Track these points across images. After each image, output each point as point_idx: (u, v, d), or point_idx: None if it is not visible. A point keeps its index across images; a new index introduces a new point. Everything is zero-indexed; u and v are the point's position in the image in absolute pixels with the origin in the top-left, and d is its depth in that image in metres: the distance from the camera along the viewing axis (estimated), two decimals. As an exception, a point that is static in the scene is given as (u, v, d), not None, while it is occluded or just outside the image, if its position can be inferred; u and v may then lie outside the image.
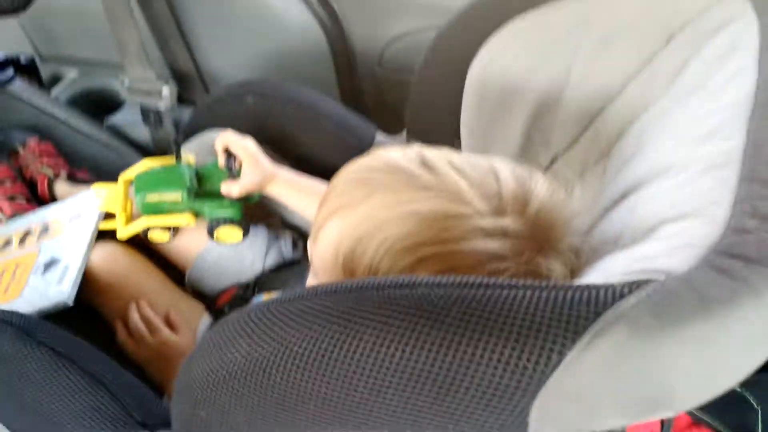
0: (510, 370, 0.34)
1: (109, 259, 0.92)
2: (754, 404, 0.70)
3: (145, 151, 1.33)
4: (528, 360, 0.34)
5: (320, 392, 0.39)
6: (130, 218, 0.94)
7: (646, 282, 0.36)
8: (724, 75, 0.54)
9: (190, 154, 1.01)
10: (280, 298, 0.43)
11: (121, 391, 0.62)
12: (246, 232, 0.96)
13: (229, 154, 0.91)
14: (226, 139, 0.91)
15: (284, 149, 1.01)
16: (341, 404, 0.39)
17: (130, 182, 0.96)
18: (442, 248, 0.48)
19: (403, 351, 0.36)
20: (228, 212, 0.94)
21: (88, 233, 0.91)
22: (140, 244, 1.01)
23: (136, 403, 0.62)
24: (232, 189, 0.90)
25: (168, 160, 0.99)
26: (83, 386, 0.60)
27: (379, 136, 1.02)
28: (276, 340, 0.41)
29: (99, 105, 1.48)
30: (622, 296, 0.35)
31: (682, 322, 0.33)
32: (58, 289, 0.82)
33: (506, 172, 0.51)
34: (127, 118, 1.38)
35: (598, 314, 0.34)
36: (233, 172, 0.90)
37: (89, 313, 0.91)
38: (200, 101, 1.13)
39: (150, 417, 0.63)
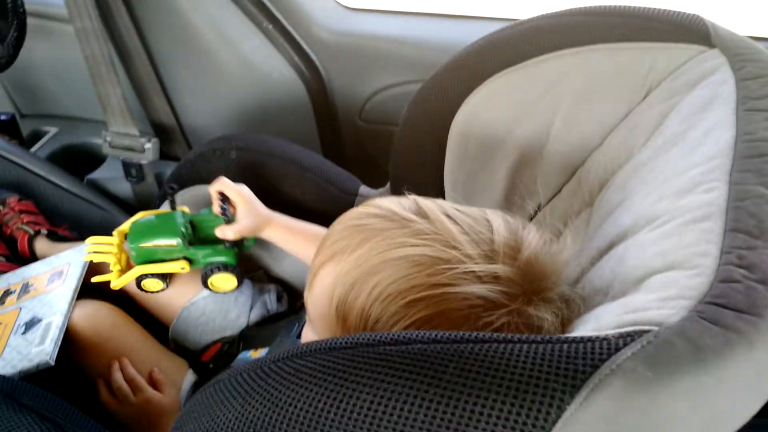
0: (510, 427, 0.34)
1: (91, 317, 0.90)
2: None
3: (126, 207, 1.33)
4: (527, 416, 0.34)
5: (317, 454, 0.38)
6: (125, 270, 0.93)
7: (641, 333, 0.36)
8: (702, 128, 0.56)
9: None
10: (273, 357, 0.43)
11: (106, 456, 0.60)
12: (240, 281, 0.96)
13: (223, 199, 0.91)
14: (222, 184, 0.91)
15: (269, 202, 1.01)
16: (339, 465, 0.38)
17: (124, 234, 0.95)
18: (433, 291, 0.48)
19: (401, 409, 0.36)
20: (223, 258, 0.93)
21: (70, 291, 0.90)
22: (122, 299, 0.99)
23: (122, 467, 0.61)
24: (227, 232, 0.90)
25: (162, 210, 0.99)
26: (68, 452, 0.59)
27: (363, 189, 1.03)
28: (270, 400, 0.40)
29: (79, 161, 1.47)
30: (617, 349, 0.35)
31: (678, 373, 0.34)
32: (40, 349, 0.81)
33: (498, 221, 0.52)
34: (108, 174, 1.37)
35: (595, 367, 0.34)
36: (228, 217, 0.90)
37: (71, 372, 0.89)
38: (182, 156, 1.14)
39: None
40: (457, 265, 0.48)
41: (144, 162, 1.31)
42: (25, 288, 0.95)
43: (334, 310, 0.52)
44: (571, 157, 0.71)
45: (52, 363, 0.79)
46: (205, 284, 0.95)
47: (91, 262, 0.95)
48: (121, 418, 0.85)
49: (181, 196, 1.06)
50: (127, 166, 1.32)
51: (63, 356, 0.83)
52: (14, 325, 0.87)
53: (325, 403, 0.38)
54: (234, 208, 0.91)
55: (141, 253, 0.92)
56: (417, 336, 0.39)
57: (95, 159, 1.45)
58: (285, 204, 1.00)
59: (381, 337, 0.40)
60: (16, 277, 0.99)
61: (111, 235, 0.97)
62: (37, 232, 1.14)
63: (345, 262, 0.51)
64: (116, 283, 0.92)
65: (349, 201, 1.00)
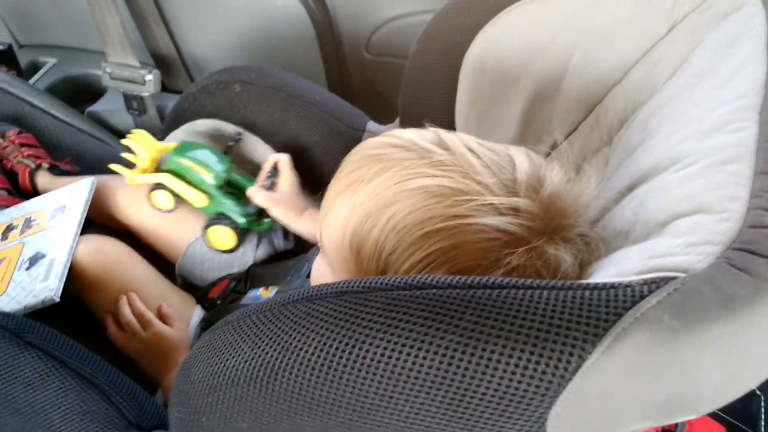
0: (528, 375, 0.33)
1: (95, 252, 0.89)
2: (757, 391, 0.70)
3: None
4: (547, 365, 0.33)
5: (328, 398, 0.38)
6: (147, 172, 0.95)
7: (666, 281, 0.34)
8: (730, 65, 0.53)
9: (173, 142, 0.99)
10: (283, 299, 0.42)
11: (114, 393, 0.60)
12: (237, 247, 0.95)
13: (272, 173, 0.92)
14: (282, 160, 0.92)
15: (272, 138, 0.99)
16: (350, 411, 0.38)
17: (165, 150, 0.96)
18: (451, 222, 0.46)
19: (416, 356, 0.35)
20: (239, 216, 0.93)
21: (73, 226, 0.89)
22: (127, 235, 0.98)
23: (130, 404, 0.61)
24: (257, 195, 0.90)
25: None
26: (75, 388, 0.58)
27: (371, 125, 1.00)
28: (280, 344, 0.39)
29: (79, 94, 1.44)
30: (642, 297, 0.34)
31: (705, 323, 0.32)
32: (45, 285, 0.80)
33: (521, 157, 0.50)
34: (108, 107, 1.35)
35: (618, 316, 0.33)
36: (267, 185, 0.90)
37: (77, 307, 0.89)
38: (185, 89, 1.11)
39: (144, 418, 0.61)
40: (476, 196, 0.46)
41: (145, 94, 1.28)
42: (28, 223, 0.94)
43: (348, 241, 0.51)
44: (590, 93, 0.69)
45: (57, 299, 0.78)
46: (204, 229, 0.94)
47: (94, 196, 0.94)
48: (130, 353, 0.86)
49: (183, 130, 1.04)
50: (128, 99, 1.29)
51: (68, 293, 0.83)
52: (18, 260, 0.86)
53: (336, 348, 0.37)
54: (277, 184, 0.91)
55: (176, 165, 0.93)
56: (432, 280, 0.38)
57: (95, 91, 1.42)
58: (290, 140, 0.98)
59: (394, 280, 0.38)
60: (18, 211, 0.98)
61: (111, 171, 0.96)
62: (39, 166, 1.12)
63: (361, 192, 0.50)
64: (136, 178, 0.93)
65: (356, 137, 0.97)
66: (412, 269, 0.48)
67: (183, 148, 0.94)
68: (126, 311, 0.86)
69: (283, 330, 0.40)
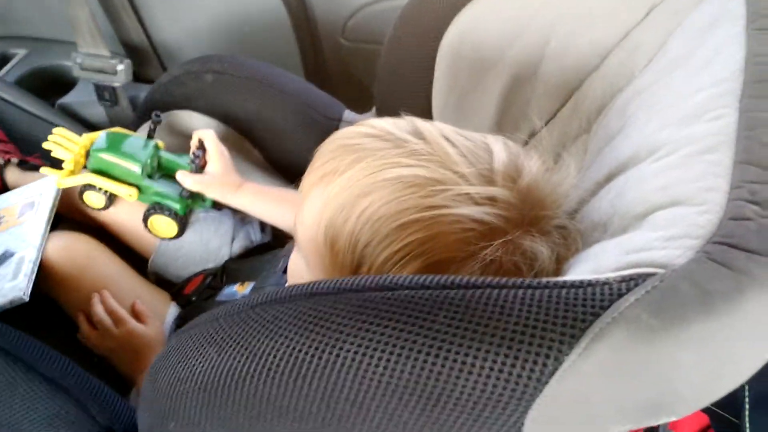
0: (503, 379, 0.32)
1: (66, 249, 0.87)
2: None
3: (101, 133, 1.27)
4: (522, 368, 0.32)
5: (297, 406, 0.36)
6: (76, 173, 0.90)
7: (644, 277, 0.33)
8: (709, 49, 0.51)
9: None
10: (251, 302, 0.40)
11: (83, 396, 0.58)
12: (181, 232, 0.93)
13: (200, 149, 0.88)
14: (207, 134, 0.88)
15: (245, 129, 0.97)
16: (320, 418, 0.36)
17: (91, 142, 0.92)
18: (426, 213, 0.45)
19: (387, 361, 0.34)
20: (171, 203, 0.90)
21: (42, 223, 0.87)
22: (99, 231, 0.96)
23: (101, 407, 0.59)
24: (187, 180, 0.87)
25: (139, 135, 0.95)
26: (43, 392, 0.57)
27: (348, 114, 0.98)
28: (248, 349, 0.38)
29: (50, 85, 1.40)
30: (620, 295, 0.32)
31: (684, 321, 0.31)
32: (13, 284, 0.78)
33: (499, 146, 0.49)
34: (80, 98, 1.31)
35: (595, 315, 0.32)
36: (196, 166, 0.87)
37: (48, 306, 0.86)
38: (157, 79, 1.08)
39: (116, 421, 0.59)
40: (452, 186, 0.45)
41: (117, 85, 1.24)
42: (-4, 220, 0.92)
43: (323, 234, 0.50)
44: (567, 79, 0.67)
45: (27, 299, 0.76)
46: (144, 222, 0.92)
47: (63, 190, 0.92)
48: (103, 352, 0.84)
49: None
50: (99, 90, 1.25)
51: (38, 291, 0.80)
52: (-15, 260, 0.84)
53: (306, 354, 0.36)
54: (206, 161, 0.88)
55: (99, 163, 0.89)
56: (404, 281, 0.36)
57: (67, 82, 1.38)
58: (265, 130, 0.95)
59: (366, 281, 0.37)
60: (-14, 208, 0.96)
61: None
62: (8, 161, 1.09)
63: (335, 184, 0.49)
64: (61, 182, 0.88)
65: (332, 126, 0.96)
66: (387, 261, 0.47)
67: (106, 143, 0.90)
68: (98, 309, 0.84)
69: (250, 334, 0.38)
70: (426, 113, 0.79)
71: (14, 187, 1.02)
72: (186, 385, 0.41)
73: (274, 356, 0.36)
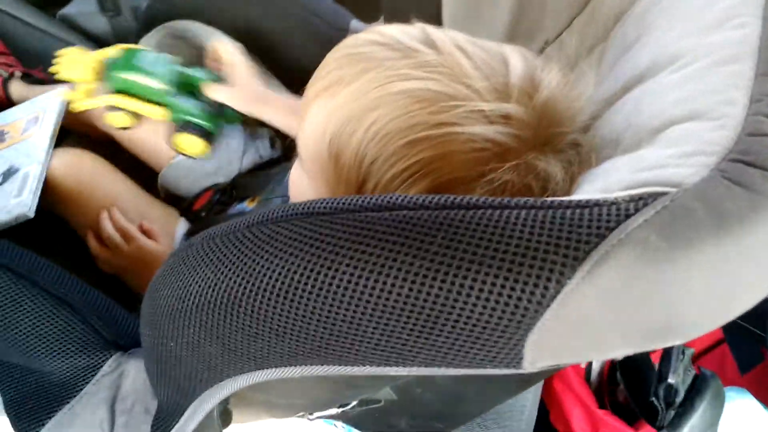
0: (503, 302, 0.31)
1: (71, 166, 0.86)
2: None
3: (104, 45, 1.24)
4: (522, 291, 0.31)
5: (294, 326, 0.36)
6: (92, 93, 0.87)
7: (654, 197, 0.31)
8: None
9: (148, 47, 0.93)
10: (247, 221, 0.39)
11: (89, 312, 0.59)
12: (208, 149, 0.90)
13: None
14: (222, 47, 0.84)
15: (248, 40, 0.93)
16: (318, 339, 0.36)
17: (103, 58, 0.88)
18: (436, 131, 0.43)
19: (384, 282, 0.33)
20: (204, 120, 0.87)
21: (46, 139, 0.85)
22: (105, 146, 0.95)
23: (107, 323, 0.59)
24: (218, 92, 0.84)
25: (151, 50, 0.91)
26: (48, 309, 0.57)
27: (354, 24, 0.94)
28: (243, 269, 0.37)
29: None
30: (627, 215, 0.31)
31: (695, 243, 0.30)
32: (18, 200, 0.77)
33: (516, 57, 0.46)
34: (81, 9, 1.27)
35: (601, 237, 0.30)
36: (218, 78, 0.84)
37: (54, 225, 0.86)
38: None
39: (123, 336, 0.60)
40: (464, 102, 0.43)
41: (119, -7, 1.21)
42: (1, 136, 0.90)
43: (326, 147, 0.48)
44: (584, -17, 0.63)
45: (32, 215, 0.76)
46: (170, 140, 0.89)
47: (68, 107, 0.90)
48: (112, 269, 0.84)
49: (154, 35, 0.98)
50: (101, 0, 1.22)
51: (45, 209, 0.80)
52: (-10, 176, 0.83)
53: (301, 274, 0.35)
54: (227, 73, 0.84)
55: (118, 83, 0.85)
56: (403, 201, 0.35)
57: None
58: (268, 40, 0.92)
59: (363, 201, 0.36)
60: (-10, 124, 0.94)
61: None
62: (11, 75, 1.07)
63: (340, 96, 0.46)
64: (82, 104, 0.86)
65: (338, 37, 0.91)
66: (394, 180, 0.45)
67: (121, 62, 0.86)
68: (107, 225, 0.84)
69: (245, 254, 0.37)
70: (437, 23, 0.75)
71: (19, 102, 1.00)
72: (184, 305, 0.40)
73: (270, 277, 0.36)
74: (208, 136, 0.88)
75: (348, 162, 0.47)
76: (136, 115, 0.89)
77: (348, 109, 0.46)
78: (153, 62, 0.86)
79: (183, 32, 0.94)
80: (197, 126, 0.87)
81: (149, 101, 0.86)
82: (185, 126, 0.87)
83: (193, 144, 0.88)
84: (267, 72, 0.94)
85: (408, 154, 0.44)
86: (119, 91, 0.86)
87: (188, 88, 0.88)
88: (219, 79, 0.85)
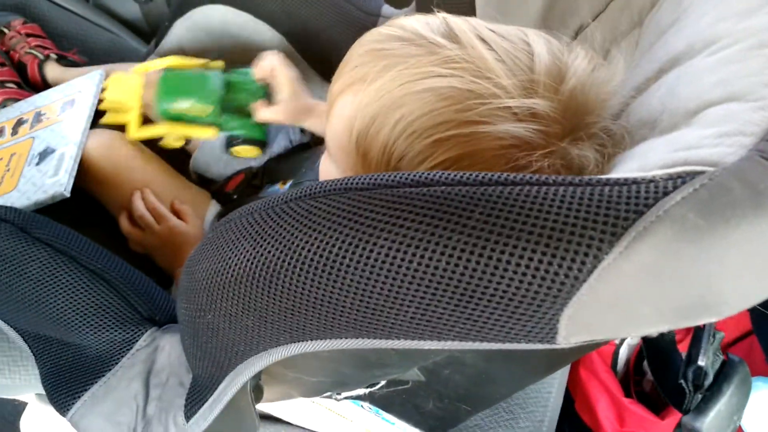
0: (539, 277, 0.31)
1: (106, 147, 0.88)
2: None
3: (136, 29, 1.26)
4: (559, 266, 0.31)
5: (332, 299, 0.36)
6: (142, 117, 0.88)
7: (692, 175, 0.32)
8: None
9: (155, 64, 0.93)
10: (286, 197, 0.40)
11: (125, 287, 0.60)
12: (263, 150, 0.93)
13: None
14: (273, 61, 0.84)
15: (279, 24, 0.94)
16: (355, 312, 0.36)
17: (144, 75, 0.89)
18: (463, 130, 0.44)
19: (422, 257, 0.33)
20: (254, 133, 0.90)
21: (83, 121, 0.87)
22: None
23: (142, 298, 0.61)
24: (266, 114, 0.85)
25: (195, 63, 0.92)
26: (85, 284, 0.58)
27: (386, 9, 0.94)
28: (282, 242, 0.38)
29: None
30: (665, 193, 0.31)
31: (733, 221, 0.30)
32: (54, 180, 0.79)
33: (540, 44, 0.46)
34: (114, -8, 1.29)
35: (639, 214, 0.31)
36: (267, 95, 0.86)
37: (90, 204, 0.88)
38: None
39: (157, 312, 0.61)
40: (490, 99, 0.43)
41: (151, -22, 1.22)
42: (38, 117, 0.92)
43: (354, 143, 0.49)
44: (620, -32, 0.63)
45: (68, 194, 0.77)
46: (227, 150, 0.92)
47: (103, 89, 0.91)
48: (144, 248, 0.86)
49: (186, 21, 0.99)
50: (133, -16, 1.24)
51: (80, 189, 0.82)
52: (28, 155, 0.85)
53: (339, 248, 0.36)
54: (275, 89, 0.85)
55: (167, 115, 0.86)
56: (441, 177, 0.35)
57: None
58: (298, 28, 0.93)
59: (401, 177, 0.36)
60: (28, 105, 0.96)
61: (122, 59, 0.92)
62: (47, 57, 1.09)
63: (364, 93, 0.47)
64: (135, 136, 0.87)
65: (370, 22, 0.92)
66: None
67: (166, 93, 0.86)
68: (139, 205, 0.86)
69: (284, 228, 0.38)
70: (470, 6, 0.75)
71: (55, 84, 1.02)
72: (222, 278, 0.41)
73: (308, 250, 0.36)
74: (262, 143, 0.91)
75: (376, 158, 0.48)
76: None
77: (373, 107, 0.46)
78: (198, 84, 0.87)
79: (212, 19, 0.94)
80: (248, 138, 0.90)
81: (200, 124, 0.88)
82: (236, 138, 0.90)
83: (247, 150, 0.92)
84: (302, 61, 0.95)
85: (435, 153, 0.45)
86: (170, 120, 0.87)
87: (237, 93, 0.89)
88: (265, 87, 0.87)
